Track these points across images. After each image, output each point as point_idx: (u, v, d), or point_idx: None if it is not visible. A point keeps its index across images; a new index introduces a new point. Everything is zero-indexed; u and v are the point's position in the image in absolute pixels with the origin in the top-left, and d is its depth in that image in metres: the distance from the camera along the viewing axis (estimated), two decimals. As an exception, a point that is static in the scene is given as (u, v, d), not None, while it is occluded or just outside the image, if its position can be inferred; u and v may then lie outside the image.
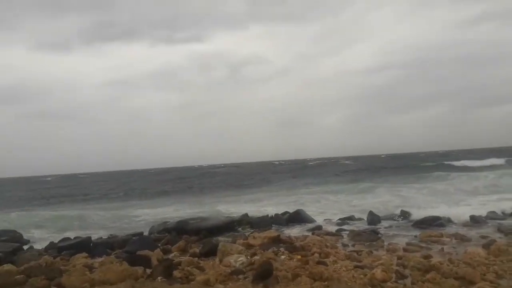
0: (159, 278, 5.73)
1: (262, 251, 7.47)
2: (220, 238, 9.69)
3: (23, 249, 9.91)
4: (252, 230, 10.86)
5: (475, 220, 10.57)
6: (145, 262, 6.87)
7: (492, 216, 11.14)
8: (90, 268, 6.77)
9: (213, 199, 20.73)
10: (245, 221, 12.25)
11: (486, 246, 7.21)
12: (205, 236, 9.97)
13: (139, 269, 6.24)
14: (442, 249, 7.56)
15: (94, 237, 11.10)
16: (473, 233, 9.11)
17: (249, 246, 8.16)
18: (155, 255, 7.60)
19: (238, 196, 21.82)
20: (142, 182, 44.64)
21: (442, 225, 10.35)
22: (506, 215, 11.29)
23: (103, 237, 11.28)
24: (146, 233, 11.42)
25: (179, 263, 6.88)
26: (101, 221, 14.43)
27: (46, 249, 9.84)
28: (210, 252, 7.69)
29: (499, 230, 9.20)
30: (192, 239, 9.79)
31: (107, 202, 24.23)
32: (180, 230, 10.60)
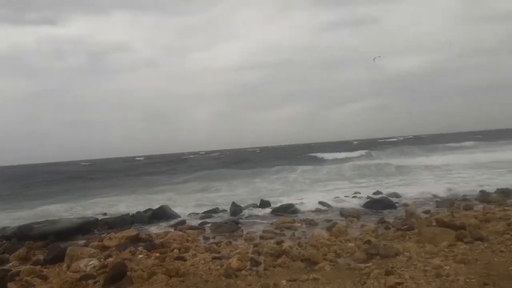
0: (-13, 294, 4.90)
1: (118, 252, 7.06)
2: (72, 242, 8.81)
3: None
4: (110, 231, 10.15)
5: (323, 205, 11.75)
6: (-28, 277, 5.81)
7: (337, 201, 12.49)
8: None
9: (63, 200, 18.60)
10: (103, 221, 11.42)
11: (329, 229, 8.04)
12: (53, 241, 8.94)
13: (-39, 287, 5.25)
14: (293, 234, 8.17)
15: None
16: (320, 217, 10.10)
17: (104, 248, 7.64)
18: (-14, 268, 6.51)
19: (93, 195, 20.11)
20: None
21: (295, 212, 11.24)
22: (347, 200, 12.80)
23: None
24: (-22, 243, 9.72)
25: (17, 273, 6.03)
26: None
27: None
28: (57, 258, 6.89)
29: (341, 213, 10.37)
30: (37, 245, 8.69)
31: None
32: (22, 236, 9.28)
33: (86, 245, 8.01)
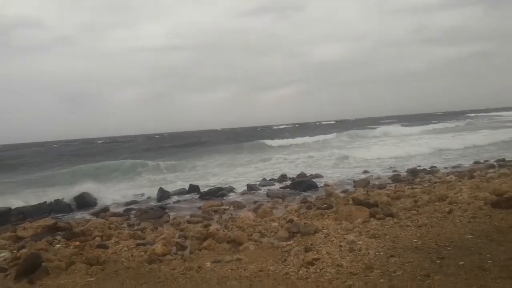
0: None
1: (34, 242, 6.65)
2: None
3: None
4: (25, 221, 9.46)
5: (250, 188, 11.97)
6: None
7: (264, 183, 12.82)
8: None
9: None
10: (17, 210, 10.61)
11: (255, 210, 8.25)
12: (-44, 234, 8.13)
13: None
14: (221, 217, 8.26)
15: None
16: (247, 199, 10.30)
17: (17, 239, 7.17)
18: None
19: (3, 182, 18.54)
20: None
21: (224, 195, 11.30)
22: (274, 182, 13.19)
23: None
24: None
25: None
26: None
27: None
28: (-38, 253, 6.32)
29: (268, 195, 10.67)
30: None
31: None
32: None
33: (-4, 237, 7.41)
